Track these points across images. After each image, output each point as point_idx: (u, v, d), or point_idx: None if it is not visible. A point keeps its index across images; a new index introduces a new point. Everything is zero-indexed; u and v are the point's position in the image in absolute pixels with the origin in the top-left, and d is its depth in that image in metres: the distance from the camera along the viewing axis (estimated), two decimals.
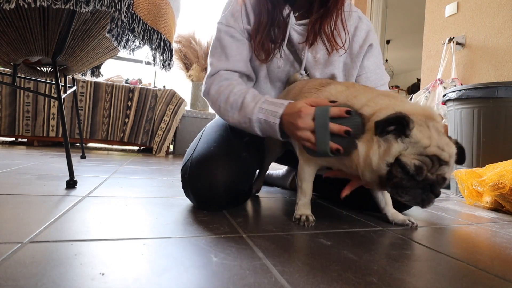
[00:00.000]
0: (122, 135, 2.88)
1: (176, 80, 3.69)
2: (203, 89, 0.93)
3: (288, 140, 0.87)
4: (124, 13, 0.89)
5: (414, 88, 5.48)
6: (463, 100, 1.63)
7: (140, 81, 3.40)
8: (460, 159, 0.67)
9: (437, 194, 0.63)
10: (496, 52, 2.08)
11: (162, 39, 1.02)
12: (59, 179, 1.15)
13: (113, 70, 3.45)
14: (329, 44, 0.93)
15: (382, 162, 0.62)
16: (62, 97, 1.11)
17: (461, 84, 2.18)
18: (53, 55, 1.13)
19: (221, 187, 0.80)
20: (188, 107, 3.44)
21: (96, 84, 2.82)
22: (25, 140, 3.05)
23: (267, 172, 1.45)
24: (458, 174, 1.40)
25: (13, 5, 0.75)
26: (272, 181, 1.43)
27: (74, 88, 1.73)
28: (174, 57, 1.98)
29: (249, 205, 0.97)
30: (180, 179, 0.90)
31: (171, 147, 3.39)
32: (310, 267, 0.51)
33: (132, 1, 0.90)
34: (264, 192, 1.23)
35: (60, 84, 1.15)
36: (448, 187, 1.84)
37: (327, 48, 0.94)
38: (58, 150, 2.46)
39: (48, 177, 1.18)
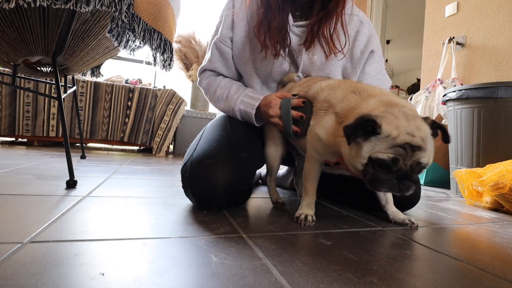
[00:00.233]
0: (122, 135, 2.88)
1: (176, 80, 3.70)
2: (198, 79, 1.10)
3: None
4: (125, 13, 0.89)
5: (414, 88, 5.48)
6: (463, 100, 1.63)
7: (140, 81, 3.40)
8: (444, 138, 0.67)
9: (414, 181, 0.64)
10: (496, 52, 2.08)
11: (163, 39, 1.02)
12: (59, 179, 1.15)
13: (113, 70, 3.45)
14: (327, 48, 0.93)
15: (356, 163, 0.65)
16: (62, 97, 1.11)
17: (461, 84, 2.18)
18: (53, 55, 1.13)
19: (221, 187, 0.80)
20: (188, 107, 3.45)
21: (96, 84, 2.82)
22: (25, 140, 3.05)
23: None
24: (458, 174, 1.40)
25: (13, 5, 0.75)
26: None
27: (74, 88, 1.73)
28: (174, 57, 1.99)
29: (249, 205, 0.97)
30: (180, 179, 0.90)
31: (171, 147, 3.39)
32: (310, 267, 0.51)
33: (132, 1, 0.90)
34: (264, 192, 1.23)
35: (60, 84, 1.15)
36: (448, 187, 1.84)
37: (325, 51, 0.94)
38: (58, 150, 2.46)
39: (48, 177, 1.18)
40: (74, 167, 1.06)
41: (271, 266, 0.50)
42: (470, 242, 0.75)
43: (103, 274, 0.42)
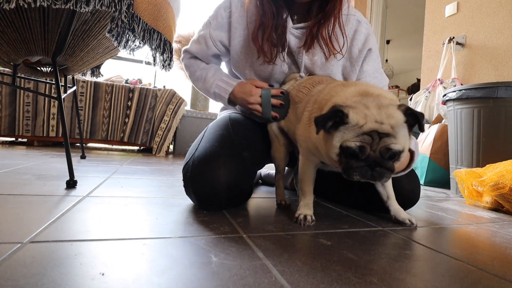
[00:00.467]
0: (122, 135, 2.88)
1: (176, 80, 3.70)
2: (181, 55, 1.16)
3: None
4: (124, 13, 0.89)
5: (414, 88, 5.47)
6: (463, 100, 1.63)
7: (140, 81, 3.40)
8: (419, 127, 0.66)
9: (388, 168, 0.64)
10: (496, 52, 2.08)
11: (162, 39, 1.02)
12: (59, 179, 1.15)
13: (113, 70, 3.45)
14: (327, 49, 0.95)
15: (331, 153, 0.67)
16: (62, 97, 1.11)
17: (461, 84, 2.18)
18: (53, 55, 1.13)
19: (223, 186, 0.81)
20: (188, 107, 3.44)
21: (96, 84, 2.82)
22: (25, 140, 3.05)
23: (268, 172, 1.45)
24: (458, 174, 1.40)
25: (13, 5, 0.75)
26: (272, 181, 1.43)
27: (74, 88, 1.73)
28: (174, 57, 1.98)
29: (249, 205, 0.97)
30: (180, 179, 0.90)
31: (171, 147, 3.39)
32: (310, 267, 0.51)
33: (132, 1, 0.90)
34: (264, 192, 1.23)
35: (60, 84, 1.15)
36: (448, 187, 1.85)
37: (325, 53, 0.96)
38: (58, 150, 2.46)
39: (48, 177, 1.18)
40: (74, 167, 1.06)
41: (271, 266, 0.50)
42: (470, 242, 0.75)
43: (103, 274, 0.42)
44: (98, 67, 1.71)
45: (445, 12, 2.48)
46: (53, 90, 2.64)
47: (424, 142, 2.06)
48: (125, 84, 2.98)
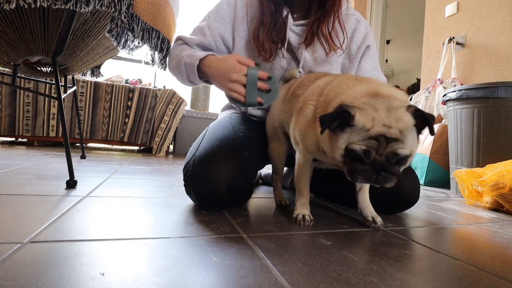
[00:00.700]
0: (122, 135, 2.88)
1: (176, 80, 3.69)
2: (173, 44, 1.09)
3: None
4: (124, 13, 0.89)
5: (414, 88, 5.47)
6: (463, 100, 1.63)
7: (140, 81, 3.40)
8: (429, 130, 0.63)
9: (393, 173, 0.62)
10: (496, 52, 2.08)
11: (161, 37, 1.03)
12: (59, 179, 1.15)
13: (113, 70, 3.45)
14: (327, 45, 0.98)
15: (336, 154, 0.65)
16: (62, 97, 1.11)
17: (461, 84, 2.18)
18: (53, 55, 1.13)
19: (223, 186, 0.81)
20: (188, 107, 3.44)
21: (96, 84, 2.82)
22: (25, 140, 3.05)
23: (268, 172, 1.45)
24: (458, 174, 1.40)
25: (13, 5, 0.75)
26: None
27: (74, 88, 1.73)
28: None
29: (249, 205, 0.97)
30: (180, 179, 0.90)
31: (171, 147, 3.39)
32: (310, 267, 0.51)
33: (132, 1, 0.90)
34: (264, 192, 1.23)
35: (60, 84, 1.15)
36: (448, 187, 1.84)
37: (325, 48, 0.99)
38: (58, 150, 2.46)
39: (48, 177, 1.18)
40: (74, 167, 1.06)
41: (271, 266, 0.50)
42: (470, 242, 0.75)
43: (103, 274, 0.42)
44: (98, 67, 1.71)
45: (445, 12, 2.48)
46: (53, 90, 2.64)
47: (424, 142, 2.06)
48: (125, 84, 2.98)
